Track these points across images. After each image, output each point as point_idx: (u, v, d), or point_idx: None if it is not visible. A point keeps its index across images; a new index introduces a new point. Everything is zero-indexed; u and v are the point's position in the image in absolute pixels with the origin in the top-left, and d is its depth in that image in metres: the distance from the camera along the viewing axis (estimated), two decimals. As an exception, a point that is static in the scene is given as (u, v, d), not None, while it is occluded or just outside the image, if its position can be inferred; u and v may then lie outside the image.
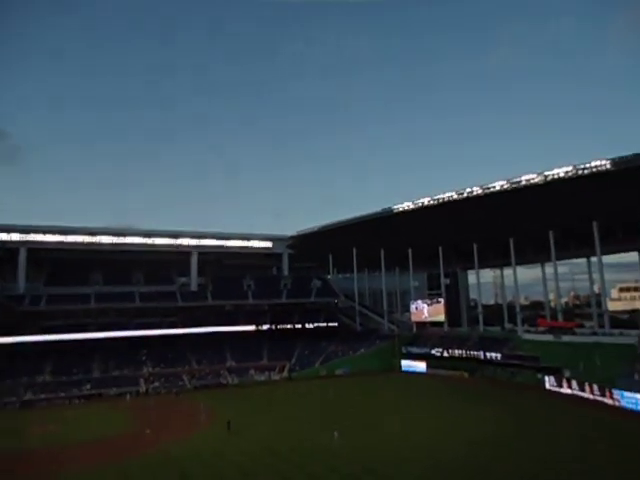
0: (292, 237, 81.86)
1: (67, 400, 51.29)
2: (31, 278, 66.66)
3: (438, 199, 60.40)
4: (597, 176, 45.94)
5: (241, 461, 27.43)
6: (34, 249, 65.87)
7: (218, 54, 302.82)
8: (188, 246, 75.47)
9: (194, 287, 74.39)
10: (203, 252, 76.52)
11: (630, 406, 36.68)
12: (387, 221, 68.04)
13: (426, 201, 61.90)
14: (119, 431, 37.03)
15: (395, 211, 65.47)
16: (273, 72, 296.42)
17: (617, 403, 37.93)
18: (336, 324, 76.88)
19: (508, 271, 69.49)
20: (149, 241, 72.34)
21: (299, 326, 75.06)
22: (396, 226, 69.29)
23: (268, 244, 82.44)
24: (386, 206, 66.86)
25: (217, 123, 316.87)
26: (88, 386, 54.70)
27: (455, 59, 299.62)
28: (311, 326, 75.32)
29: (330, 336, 72.74)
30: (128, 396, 52.30)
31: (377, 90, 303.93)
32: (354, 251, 77.98)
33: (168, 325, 67.67)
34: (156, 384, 57.04)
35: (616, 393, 38.37)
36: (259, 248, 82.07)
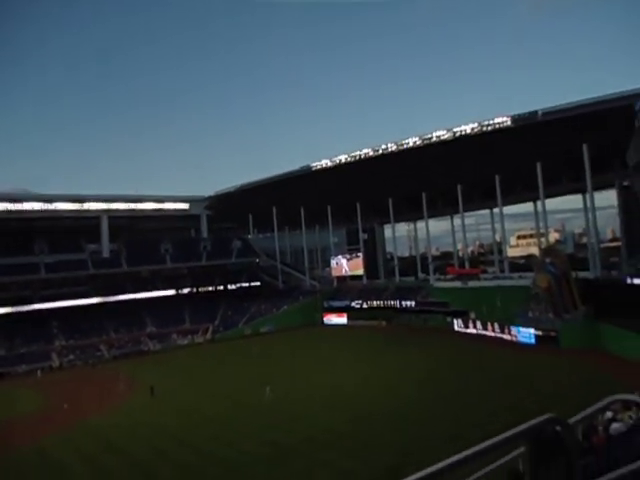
0: (210, 198, 79.43)
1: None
2: None
3: (355, 156, 61.39)
4: (499, 132, 49.05)
5: (168, 426, 27.31)
6: None
7: None
8: (96, 210, 70.38)
9: (106, 254, 70.19)
10: (114, 216, 71.88)
11: (524, 340, 41.25)
12: (306, 179, 68.17)
13: (343, 158, 62.65)
14: (33, 409, 35.03)
15: (313, 169, 65.69)
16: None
17: (514, 338, 42.42)
18: (258, 283, 77.18)
19: (421, 224, 73.21)
20: (51, 207, 66.34)
21: (221, 288, 74.37)
22: (315, 184, 69.65)
23: (184, 206, 79.27)
24: (304, 164, 66.84)
25: (120, 82, 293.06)
26: (-8, 365, 50.74)
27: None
28: (233, 287, 74.95)
29: (253, 296, 72.97)
30: (39, 372, 49.28)
31: (284, 49, 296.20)
32: (274, 210, 77.59)
33: (80, 295, 63.85)
34: (71, 357, 54.26)
35: (513, 329, 42.84)
36: (175, 210, 78.70)
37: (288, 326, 64.20)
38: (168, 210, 77.88)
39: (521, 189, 59.91)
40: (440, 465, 1.51)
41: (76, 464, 22.81)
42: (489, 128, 49.54)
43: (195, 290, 72.37)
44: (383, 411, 25.77)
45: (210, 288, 73.66)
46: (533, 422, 1.80)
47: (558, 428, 1.88)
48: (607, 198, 61.07)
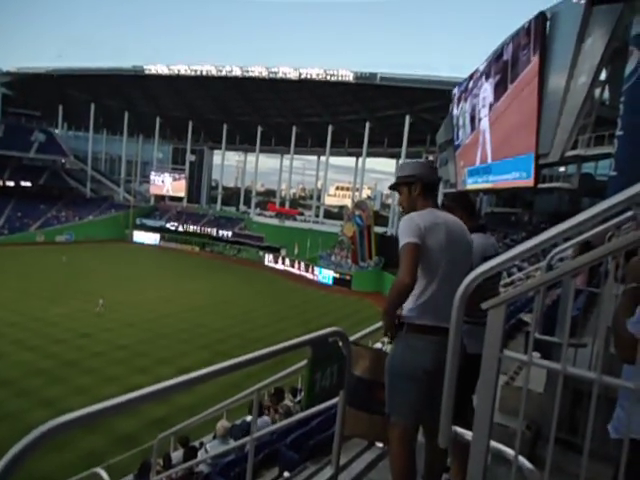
0: (10, 73, 65.33)
1: None
2: None
3: (195, 70, 57.18)
4: (340, 85, 51.11)
5: None
6: None
7: None
8: None
9: None
10: None
11: (323, 280, 45.72)
12: (136, 81, 61.38)
13: (182, 69, 57.81)
14: None
15: (146, 72, 59.22)
16: None
17: (315, 278, 46.65)
18: (61, 186, 68.04)
19: (251, 157, 73.06)
20: None
21: (11, 183, 63.52)
22: (145, 89, 63.31)
23: (-29, 75, 63.88)
24: (138, 64, 59.71)
25: None
26: None
27: None
28: (28, 184, 64.72)
29: (52, 199, 64.25)
30: None
31: None
32: (92, 107, 68.15)
33: None
34: None
35: (316, 270, 47.02)
36: (-44, 77, 62.96)
37: (92, 238, 58.70)
38: (-54, 75, 61.82)
39: (349, 143, 64.16)
40: (248, 356, 1.65)
41: None
42: (332, 78, 51.10)
43: (-25, 181, 60.40)
44: (180, 328, 26.20)
45: (-4, 182, 62.30)
46: (320, 332, 2.06)
47: (338, 340, 2.21)
48: (414, 168, 69.54)
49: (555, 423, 1.41)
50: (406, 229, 2.51)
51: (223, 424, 6.00)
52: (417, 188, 2.71)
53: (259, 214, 66.35)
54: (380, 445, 3.62)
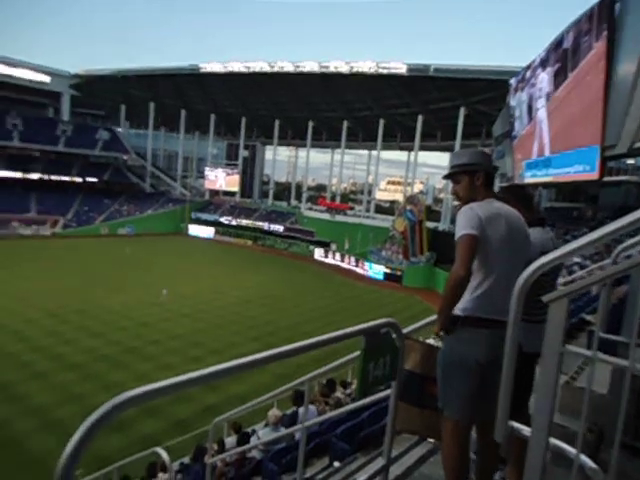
0: (78, 76, 69.31)
1: None
2: None
3: (248, 67, 58.24)
4: (392, 77, 50.38)
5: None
6: None
7: None
8: None
9: None
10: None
11: (374, 275, 45.42)
12: (192, 79, 63.37)
13: (236, 67, 59.02)
14: None
15: (202, 70, 60.95)
16: None
17: (365, 272, 46.45)
18: (123, 182, 71.68)
19: (302, 152, 73.67)
20: None
21: (79, 179, 67.51)
22: (201, 86, 65.24)
23: (45, 78, 67.97)
24: (193, 63, 61.61)
25: None
26: None
27: None
28: (94, 180, 68.59)
29: (115, 194, 67.79)
30: None
31: None
32: (152, 106, 71.12)
33: None
34: None
35: (366, 265, 46.81)
36: (32, 81, 67.23)
37: (151, 231, 61.49)
38: (21, 79, 66.28)
39: (400, 137, 63.23)
40: (304, 342, 1.69)
41: None
42: (385, 71, 50.45)
43: (47, 177, 64.56)
44: (232, 320, 26.93)
45: (65, 178, 66.34)
46: (373, 323, 2.07)
47: (391, 331, 2.21)
48: (468, 161, 67.50)
49: (621, 425, 1.35)
50: (465, 220, 2.44)
51: (274, 412, 6.15)
52: (480, 177, 2.63)
53: (310, 209, 66.83)
54: (432, 440, 3.58)
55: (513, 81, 30.98)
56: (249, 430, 7.99)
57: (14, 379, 18.04)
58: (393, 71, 49.89)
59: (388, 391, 2.36)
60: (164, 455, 4.09)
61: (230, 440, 7.43)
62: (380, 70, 50.61)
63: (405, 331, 3.03)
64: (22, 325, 24.08)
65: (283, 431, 5.61)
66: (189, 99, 69.80)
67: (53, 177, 65.16)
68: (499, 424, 1.68)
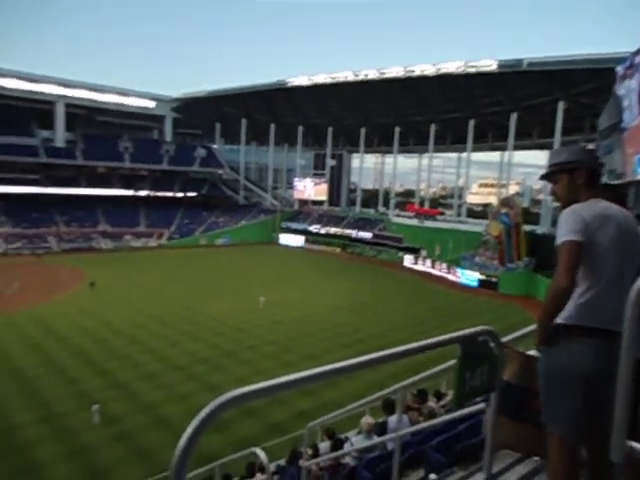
0: (177, 99, 75.34)
1: None
2: None
3: (334, 77, 59.22)
4: (482, 76, 48.33)
5: (111, 320, 27.77)
6: None
7: None
8: (51, 95, 65.37)
9: (61, 143, 66.39)
10: (71, 104, 67.19)
11: (467, 282, 43.58)
12: (280, 94, 65.77)
13: (322, 78, 60.31)
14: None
15: (289, 85, 63.09)
16: None
17: (458, 279, 44.75)
18: (219, 195, 76.26)
19: (389, 159, 73.17)
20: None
21: (180, 194, 72.98)
22: (289, 100, 67.48)
23: (150, 104, 74.85)
24: (281, 78, 64.04)
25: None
26: None
27: None
28: (193, 195, 73.74)
29: (212, 207, 72.25)
30: (-17, 255, 47.99)
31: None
32: (243, 122, 75.02)
33: (29, 182, 61.01)
34: (17, 245, 52.84)
35: (458, 271, 45.08)
36: (139, 107, 74.29)
37: (244, 241, 64.63)
38: (131, 106, 73.46)
39: (492, 138, 60.38)
40: (401, 348, 1.69)
41: (19, 347, 23.12)
42: (473, 70, 48.58)
43: (153, 193, 70.61)
44: (322, 327, 27.28)
45: (169, 193, 72.09)
46: (469, 330, 2.00)
47: (489, 339, 2.11)
48: (570, 159, 62.48)
49: None
50: (567, 224, 2.22)
51: (367, 420, 6.13)
52: (581, 176, 2.42)
53: (398, 215, 66.01)
54: (536, 459, 3.35)
55: (620, 68, 28.19)
56: (342, 437, 8.04)
57: (128, 378, 19.84)
58: (482, 69, 47.88)
59: (482, 404, 2.25)
60: (262, 455, 4.26)
61: (324, 445, 7.53)
62: (468, 69, 48.83)
63: (504, 340, 2.88)
64: (134, 329, 26.44)
65: (376, 439, 5.58)
66: (278, 113, 72.55)
67: (159, 193, 71.07)
68: (615, 443, 1.53)
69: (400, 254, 54.56)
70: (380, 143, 72.50)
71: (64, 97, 66.15)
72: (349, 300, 35.31)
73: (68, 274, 40.88)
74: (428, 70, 51.66)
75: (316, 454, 6.67)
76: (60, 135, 66.48)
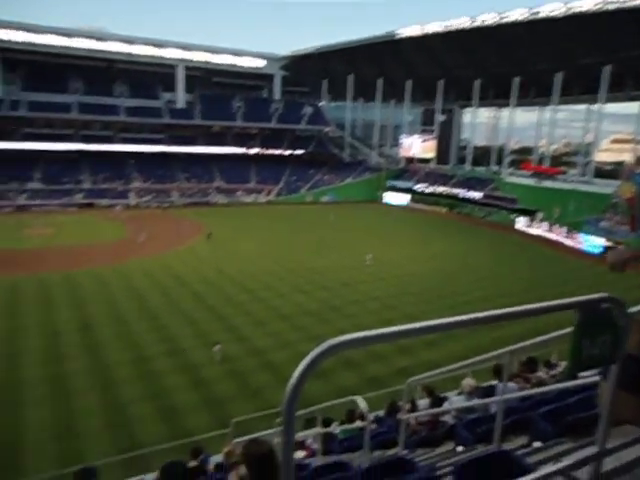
0: (286, 57, 76.27)
1: (60, 207, 53.17)
2: (7, 82, 62.72)
3: (448, 26, 55.36)
4: (621, 13, 41.92)
5: (226, 270, 30.08)
6: (4, 49, 60.31)
7: None
8: (173, 58, 69.86)
9: (181, 104, 71.36)
10: (190, 67, 71.33)
11: (589, 249, 39.74)
12: (388, 47, 63.36)
13: (434, 27, 56.76)
14: (113, 238, 39.47)
15: (398, 36, 60.39)
16: None
17: (579, 245, 40.97)
18: (325, 153, 77.04)
19: (505, 113, 67.58)
20: (130, 49, 66.41)
21: (288, 152, 75.04)
22: (397, 53, 64.80)
23: (260, 63, 76.81)
24: (389, 30, 61.50)
25: None
26: (80, 195, 56.21)
27: None
28: (300, 152, 75.37)
29: (318, 164, 73.38)
30: (118, 207, 54.13)
31: None
32: (350, 78, 73.88)
33: (155, 142, 66.90)
34: (146, 198, 58.82)
35: (580, 237, 41.21)
36: (250, 67, 76.65)
37: (349, 199, 65.13)
38: (243, 67, 76.01)
39: (631, 86, 52.79)
40: (518, 308, 1.65)
41: (149, 289, 26.19)
42: (613, 6, 42.24)
43: (263, 151, 73.48)
44: (426, 287, 26.94)
45: (277, 151, 74.52)
46: (590, 296, 1.86)
47: (612, 307, 1.94)
48: None
49: None
50: None
51: (469, 382, 6.06)
52: None
53: (512, 174, 61.47)
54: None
55: None
56: (442, 395, 8.05)
57: (241, 323, 21.58)
58: (627, 4, 41.39)
59: (596, 377, 2.10)
60: (363, 404, 4.44)
61: (422, 402, 7.62)
62: (607, 6, 42.54)
63: (630, 311, 2.63)
64: (246, 279, 28.43)
65: (477, 401, 5.52)
66: (386, 67, 70.16)
67: (268, 151, 73.78)
68: None
69: (513, 216, 51.16)
70: (496, 96, 67.01)
71: (184, 60, 70.35)
72: (455, 262, 34.30)
73: (188, 226, 44.78)
74: (557, 10, 46.02)
75: (414, 409, 6.79)
76: (181, 97, 71.31)
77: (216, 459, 8.88)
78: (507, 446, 4.21)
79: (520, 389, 6.16)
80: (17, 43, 60.03)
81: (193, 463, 7.57)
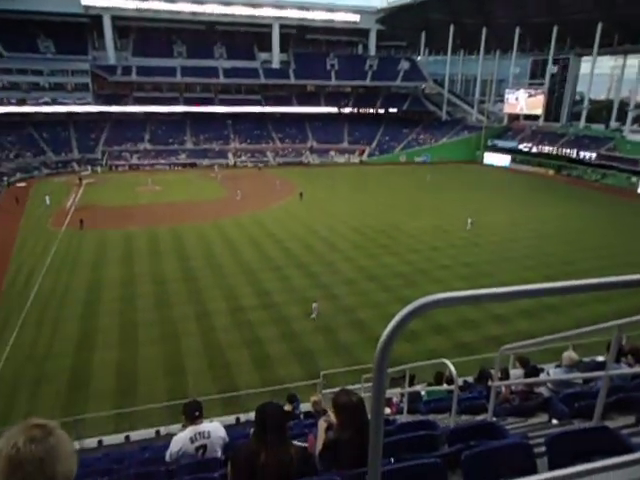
0: (383, 10, 72.95)
1: (167, 166, 57.35)
2: (119, 48, 67.48)
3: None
4: None
5: (317, 229, 30.71)
6: (117, 17, 64.61)
7: None
8: (269, 16, 70.05)
9: (276, 64, 71.94)
10: (284, 24, 71.12)
11: None
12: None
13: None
14: (212, 196, 41.89)
15: (508, -23, 54.87)
16: None
17: None
18: (421, 111, 73.90)
19: (632, 61, 59.30)
20: (228, 10, 67.64)
21: (382, 111, 73.12)
22: (506, -2, 59.11)
23: (355, 17, 74.26)
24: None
25: None
26: (183, 155, 60.05)
27: None
28: (394, 111, 73.08)
29: (413, 123, 70.79)
30: (217, 167, 56.94)
31: None
32: (451, 28, 69.12)
33: (252, 102, 68.65)
34: (243, 158, 61.22)
35: None
36: (344, 22, 74.46)
37: (445, 160, 62.39)
38: (337, 22, 74.13)
39: None
40: (609, 279, 1.48)
41: (245, 244, 27.67)
42: None
43: (356, 110, 72.33)
44: (526, 254, 25.40)
45: (371, 110, 72.92)
46: None
47: None
48: None
49: None
50: None
51: (570, 355, 5.68)
52: None
53: (636, 131, 54.53)
54: None
55: None
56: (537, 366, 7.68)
57: (331, 282, 22.09)
58: None
59: None
60: (451, 367, 4.37)
61: (514, 372, 7.32)
62: None
63: None
64: (336, 238, 28.86)
65: (579, 374, 5.17)
66: (491, 14, 64.49)
67: (361, 110, 72.46)
68: None
69: (634, 179, 45.82)
70: (622, 41, 58.74)
71: (279, 18, 70.25)
72: (561, 228, 31.79)
73: (282, 185, 46.02)
74: None
75: (506, 378, 6.55)
76: (276, 57, 71.81)
77: (305, 406, 9.40)
78: (610, 424, 3.93)
79: (630, 367, 5.67)
80: (128, 10, 63.90)
81: (288, 407, 8.15)
